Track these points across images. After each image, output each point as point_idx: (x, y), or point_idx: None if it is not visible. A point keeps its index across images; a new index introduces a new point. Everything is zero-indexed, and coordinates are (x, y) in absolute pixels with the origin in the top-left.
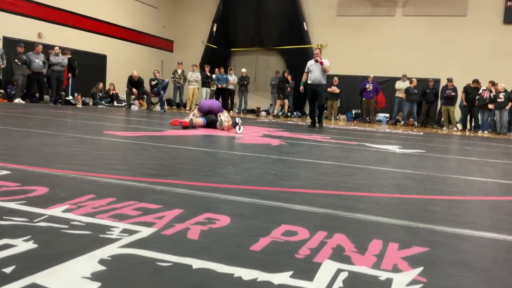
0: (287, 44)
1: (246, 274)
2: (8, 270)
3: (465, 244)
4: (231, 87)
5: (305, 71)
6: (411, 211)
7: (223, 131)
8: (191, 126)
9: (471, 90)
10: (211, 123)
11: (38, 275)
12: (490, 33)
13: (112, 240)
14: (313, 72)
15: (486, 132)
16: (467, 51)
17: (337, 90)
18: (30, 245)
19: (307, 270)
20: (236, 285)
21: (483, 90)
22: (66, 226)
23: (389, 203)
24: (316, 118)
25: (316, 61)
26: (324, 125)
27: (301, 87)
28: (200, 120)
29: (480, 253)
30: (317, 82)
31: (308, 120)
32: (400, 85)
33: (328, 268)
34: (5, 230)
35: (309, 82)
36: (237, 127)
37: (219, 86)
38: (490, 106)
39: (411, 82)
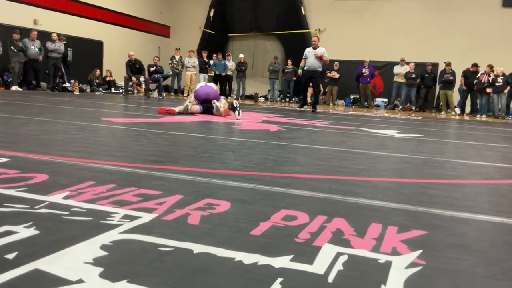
0: (284, 29)
1: (247, 258)
2: (10, 256)
3: (464, 227)
4: (229, 73)
5: (303, 57)
6: (409, 195)
7: (221, 117)
8: (184, 112)
9: (470, 74)
10: (207, 110)
11: (40, 261)
12: (489, 16)
13: (113, 226)
14: (309, 59)
15: (484, 116)
16: (466, 35)
17: (337, 75)
18: (32, 232)
19: (307, 253)
20: (237, 269)
21: (481, 74)
22: (67, 213)
23: (388, 187)
24: (312, 102)
25: (315, 50)
26: (322, 110)
27: (299, 71)
28: (197, 108)
29: (478, 236)
30: (312, 69)
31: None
32: (399, 69)
33: (328, 251)
34: (6, 217)
35: (305, 68)
36: (236, 112)
37: (217, 73)
38: (488, 90)
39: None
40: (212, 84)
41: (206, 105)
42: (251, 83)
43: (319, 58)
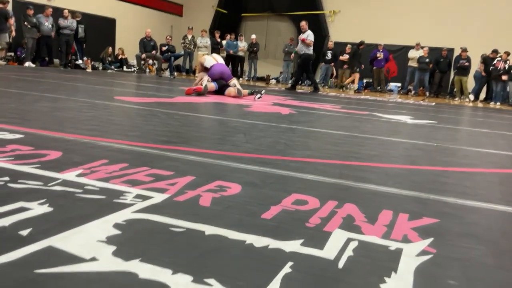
0: (298, 9)
1: (258, 241)
2: (24, 232)
3: (475, 216)
4: (240, 54)
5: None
6: (421, 183)
7: (232, 98)
8: (205, 92)
9: (489, 61)
10: (221, 87)
11: (54, 238)
12: (509, 1)
13: (126, 205)
14: (299, 44)
15: (498, 103)
16: (484, 20)
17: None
18: (46, 209)
19: (317, 238)
20: (248, 251)
21: (497, 60)
22: (81, 191)
23: (400, 174)
24: (311, 84)
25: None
26: (334, 94)
27: (292, 55)
28: (213, 85)
29: (489, 226)
30: (299, 52)
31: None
32: (413, 54)
33: (338, 237)
34: (21, 193)
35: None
36: (257, 95)
37: (231, 52)
38: (504, 77)
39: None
40: (221, 60)
41: (220, 82)
42: (263, 65)
43: (303, 41)
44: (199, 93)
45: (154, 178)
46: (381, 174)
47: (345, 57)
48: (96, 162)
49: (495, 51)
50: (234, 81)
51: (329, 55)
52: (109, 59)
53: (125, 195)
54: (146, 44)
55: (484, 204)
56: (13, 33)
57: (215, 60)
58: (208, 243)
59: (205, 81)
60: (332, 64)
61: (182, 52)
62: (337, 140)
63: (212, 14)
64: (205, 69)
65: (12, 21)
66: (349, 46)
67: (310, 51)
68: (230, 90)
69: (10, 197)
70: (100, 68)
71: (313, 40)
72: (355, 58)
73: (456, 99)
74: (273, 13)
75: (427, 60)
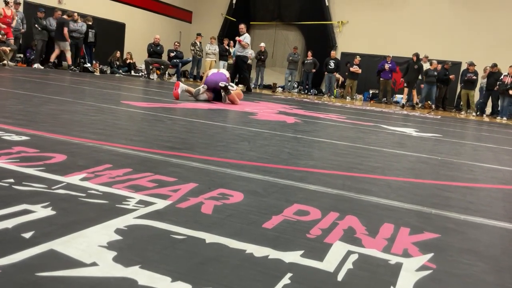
0: (307, 19)
1: (258, 250)
2: (27, 235)
3: (477, 232)
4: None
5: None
6: (424, 196)
7: (236, 105)
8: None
9: (490, 75)
10: (216, 97)
11: (56, 241)
12: None
13: (128, 211)
14: (236, 46)
15: (505, 118)
16: (491, 34)
17: (359, 70)
18: (49, 212)
19: (318, 250)
20: (248, 260)
21: (504, 75)
22: (84, 195)
23: (403, 187)
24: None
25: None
26: (339, 104)
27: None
28: (210, 94)
29: (491, 242)
30: (237, 54)
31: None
32: None
33: (338, 249)
34: (25, 196)
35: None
36: (223, 85)
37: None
38: (511, 91)
39: (431, 64)
40: (225, 71)
41: (216, 92)
42: (270, 73)
43: (239, 42)
44: (193, 96)
45: (157, 184)
46: (384, 186)
47: (355, 68)
48: (100, 167)
49: (495, 65)
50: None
51: (332, 64)
52: (117, 63)
53: (127, 201)
54: (154, 49)
55: (486, 220)
56: (68, 41)
57: (215, 70)
58: (209, 251)
59: (200, 87)
60: (335, 73)
61: (190, 58)
62: (341, 151)
63: (221, 22)
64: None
65: (65, 31)
66: (357, 57)
67: (247, 53)
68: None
69: (14, 199)
70: (108, 72)
71: (248, 42)
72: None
73: (462, 112)
74: (282, 22)
75: (435, 73)
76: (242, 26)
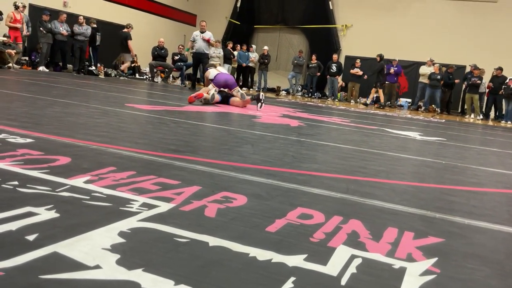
0: (311, 23)
1: (261, 254)
2: (31, 237)
3: (481, 237)
4: (251, 64)
5: (191, 39)
6: (428, 200)
7: (239, 107)
8: (210, 101)
9: (494, 79)
10: (225, 98)
11: (59, 244)
12: None
13: (132, 214)
14: (198, 42)
15: (510, 122)
16: (496, 39)
17: (360, 72)
18: (53, 214)
19: (321, 254)
20: (251, 264)
21: (510, 79)
22: (88, 197)
23: (407, 191)
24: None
25: (203, 34)
26: (343, 107)
27: (186, 53)
28: (217, 97)
29: (495, 247)
30: (200, 51)
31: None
32: (425, 70)
33: (342, 253)
34: (29, 198)
35: (194, 50)
36: (259, 104)
37: (244, 64)
38: None
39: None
40: (224, 70)
41: (224, 93)
42: (274, 76)
43: (207, 41)
44: (207, 101)
45: (161, 187)
46: (388, 190)
47: (356, 71)
48: (104, 169)
49: (500, 69)
50: (237, 88)
51: (333, 68)
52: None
53: (131, 203)
54: (158, 52)
55: (491, 224)
56: (133, 53)
57: (217, 71)
58: (212, 254)
59: (212, 90)
60: (337, 76)
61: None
62: (345, 154)
63: (225, 25)
64: (211, 81)
65: (130, 44)
66: (357, 60)
67: (208, 50)
68: (234, 99)
69: (18, 202)
70: (113, 75)
71: (214, 40)
72: (380, 74)
73: (467, 116)
74: (286, 26)
75: (439, 77)
76: (204, 23)
